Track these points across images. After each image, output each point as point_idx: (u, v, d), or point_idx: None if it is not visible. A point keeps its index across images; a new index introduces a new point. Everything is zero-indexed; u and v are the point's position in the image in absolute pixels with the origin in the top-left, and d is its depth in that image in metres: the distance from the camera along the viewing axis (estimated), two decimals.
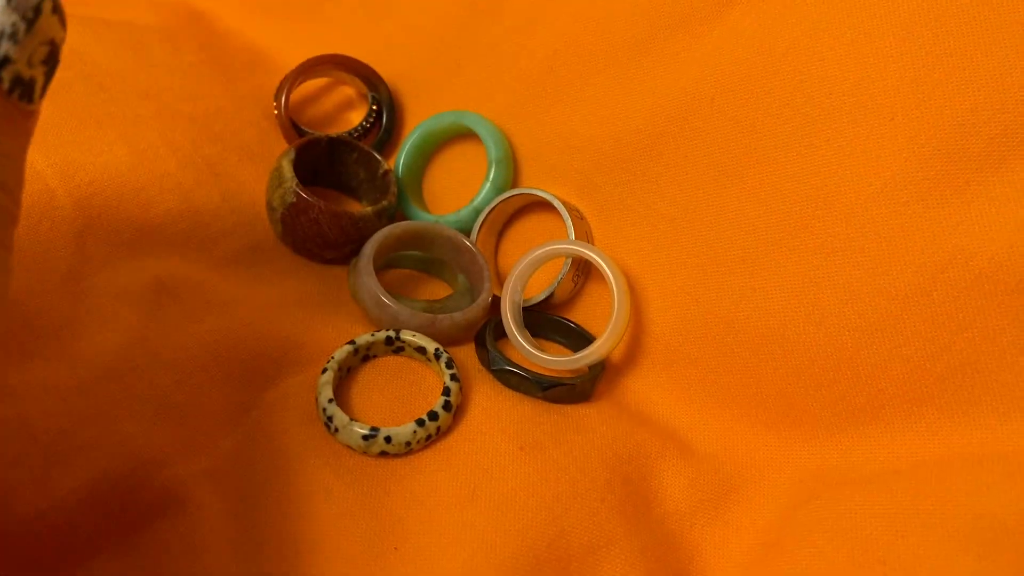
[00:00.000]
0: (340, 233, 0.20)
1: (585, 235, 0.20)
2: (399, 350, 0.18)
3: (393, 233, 0.20)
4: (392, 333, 0.18)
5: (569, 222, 0.20)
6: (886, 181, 0.17)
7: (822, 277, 0.17)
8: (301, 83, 0.24)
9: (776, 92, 0.18)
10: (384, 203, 0.21)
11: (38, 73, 0.11)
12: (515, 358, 0.19)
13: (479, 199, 0.21)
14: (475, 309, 0.19)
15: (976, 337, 0.16)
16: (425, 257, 0.22)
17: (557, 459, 0.16)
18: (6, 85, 0.11)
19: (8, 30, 0.11)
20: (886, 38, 0.16)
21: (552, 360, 0.18)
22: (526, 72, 0.22)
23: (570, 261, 0.20)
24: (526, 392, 0.18)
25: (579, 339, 0.20)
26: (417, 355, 0.18)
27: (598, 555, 0.15)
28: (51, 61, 0.11)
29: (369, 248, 0.19)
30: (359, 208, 0.22)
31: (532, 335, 0.19)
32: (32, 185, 0.19)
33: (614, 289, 0.18)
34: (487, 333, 0.19)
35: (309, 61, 0.24)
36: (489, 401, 0.18)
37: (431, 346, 0.18)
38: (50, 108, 0.21)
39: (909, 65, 0.16)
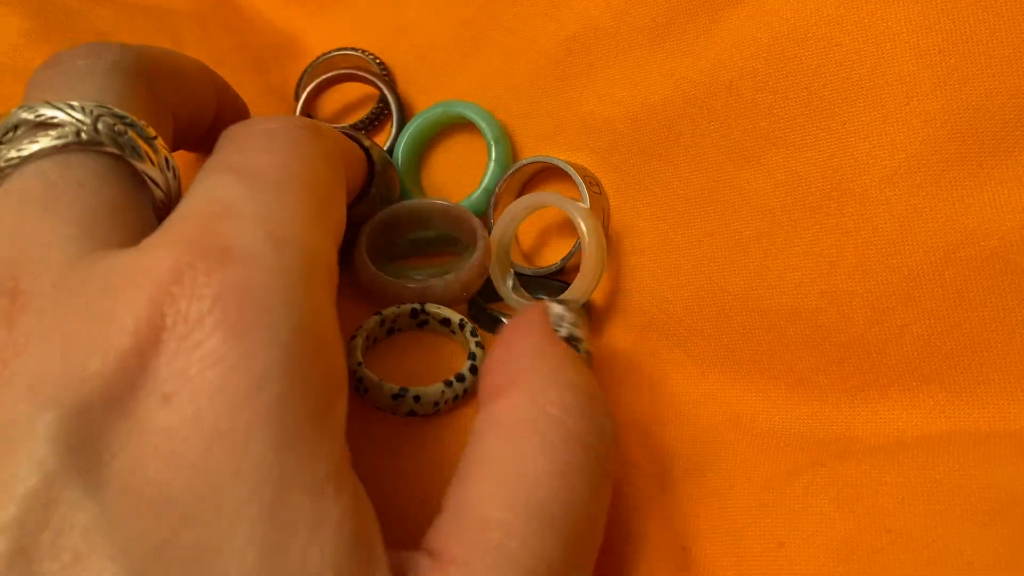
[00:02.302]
0: None
1: (601, 205, 0.21)
2: (423, 323, 0.19)
3: (382, 218, 0.20)
4: (417, 306, 0.19)
5: (582, 186, 0.20)
6: (901, 163, 0.17)
7: (836, 257, 0.17)
8: (314, 97, 0.25)
9: (794, 76, 0.18)
10: (372, 191, 0.20)
11: (590, 348, 0.17)
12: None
13: (487, 179, 0.22)
14: (467, 270, 0.19)
15: (986, 316, 0.16)
16: (432, 236, 0.22)
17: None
18: (584, 356, 0.16)
19: (575, 321, 0.16)
20: (903, 23, 0.17)
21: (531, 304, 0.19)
22: (544, 54, 0.22)
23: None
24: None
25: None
26: (442, 328, 0.19)
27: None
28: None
29: (361, 235, 0.20)
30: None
31: (532, 296, 0.20)
32: None
33: (583, 230, 0.19)
34: (478, 293, 0.20)
35: (324, 81, 0.25)
36: None
37: (455, 317, 0.19)
38: None
39: (925, 50, 0.17)
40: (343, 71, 0.24)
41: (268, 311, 0.11)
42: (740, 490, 0.17)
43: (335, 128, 0.18)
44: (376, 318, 0.18)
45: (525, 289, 0.20)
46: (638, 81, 0.20)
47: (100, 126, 0.13)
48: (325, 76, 0.24)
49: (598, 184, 0.21)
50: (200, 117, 0.18)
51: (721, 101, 0.19)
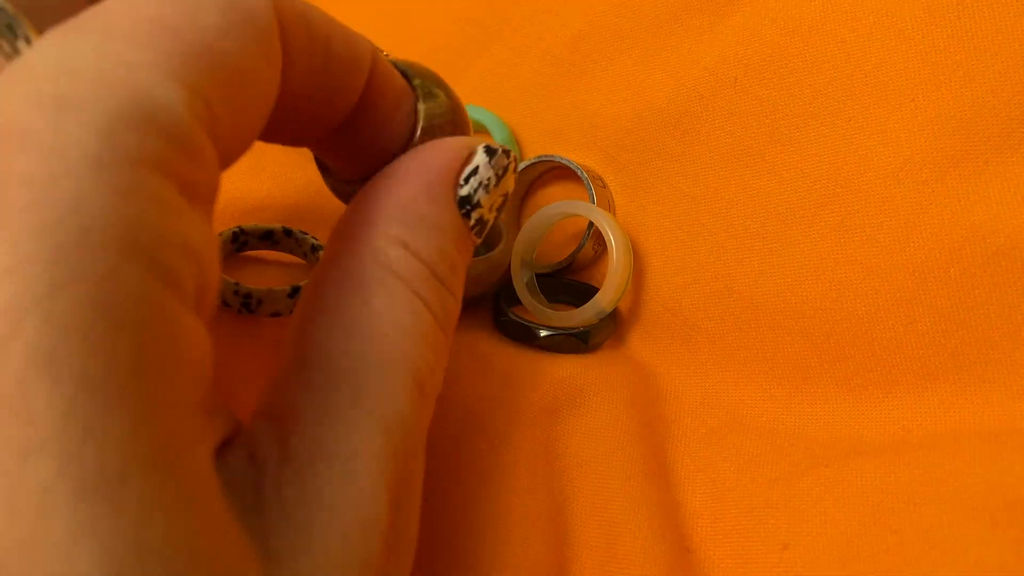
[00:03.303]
0: None
1: (607, 203, 0.21)
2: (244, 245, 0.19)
3: None
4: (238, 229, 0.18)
5: (589, 185, 0.20)
6: (905, 160, 0.17)
7: (840, 254, 0.17)
8: None
9: (798, 73, 0.18)
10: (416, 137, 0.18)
11: (491, 217, 0.14)
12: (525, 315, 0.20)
13: None
14: (480, 263, 0.19)
15: (991, 314, 0.16)
16: None
17: (569, 424, 0.17)
18: (472, 222, 0.14)
19: (484, 182, 0.14)
20: (907, 19, 0.17)
21: (554, 315, 0.19)
22: (550, 52, 0.22)
23: (591, 227, 0.20)
24: (523, 340, 0.19)
25: (590, 297, 0.20)
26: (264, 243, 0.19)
27: (609, 511, 0.16)
28: (500, 209, 0.14)
29: None
30: None
31: (549, 300, 0.20)
32: None
33: (611, 242, 0.19)
34: (500, 296, 0.20)
35: None
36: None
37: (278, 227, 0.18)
38: None
39: (930, 46, 0.16)
40: None
41: (28, 211, 0.08)
42: (744, 491, 0.17)
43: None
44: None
45: (545, 292, 0.20)
46: (643, 79, 0.20)
47: None
48: None
49: (603, 182, 0.21)
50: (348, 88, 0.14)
51: (726, 98, 0.19)
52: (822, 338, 0.17)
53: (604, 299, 0.19)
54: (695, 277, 0.19)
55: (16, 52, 0.12)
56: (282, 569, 0.10)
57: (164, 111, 0.09)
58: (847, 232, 0.17)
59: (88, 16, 0.10)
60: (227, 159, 0.11)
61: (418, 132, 0.14)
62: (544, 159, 0.21)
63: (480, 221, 0.14)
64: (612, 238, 0.19)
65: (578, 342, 0.19)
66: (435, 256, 0.13)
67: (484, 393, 0.18)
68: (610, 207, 0.21)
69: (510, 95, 0.22)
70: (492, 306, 0.20)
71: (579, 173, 0.20)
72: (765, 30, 0.19)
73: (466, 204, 0.14)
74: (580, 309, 0.19)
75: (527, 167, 0.21)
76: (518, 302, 0.20)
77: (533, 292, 0.20)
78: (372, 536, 0.11)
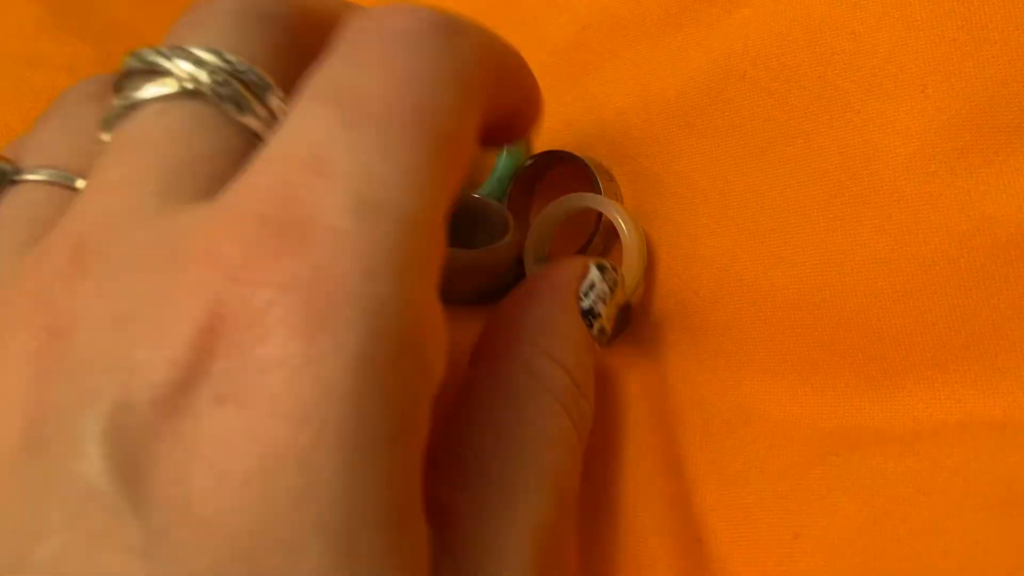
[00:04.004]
0: None
1: (615, 196, 0.21)
2: None
3: None
4: None
5: (596, 179, 0.20)
6: (915, 151, 0.17)
7: (851, 246, 0.17)
8: None
9: (808, 65, 0.18)
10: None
11: (609, 327, 0.16)
12: None
13: (499, 169, 0.22)
14: (487, 253, 0.19)
15: (1002, 304, 0.16)
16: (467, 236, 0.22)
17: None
18: (595, 332, 0.16)
19: (601, 295, 0.16)
20: (916, 10, 0.17)
21: None
22: (557, 46, 0.22)
23: (600, 221, 0.20)
24: None
25: None
26: None
27: (621, 504, 0.16)
28: (622, 320, 0.17)
29: None
30: None
31: None
32: None
33: (625, 235, 0.19)
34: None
35: None
36: None
37: None
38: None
39: (940, 37, 0.16)
40: None
41: (344, 305, 0.10)
42: (755, 482, 0.17)
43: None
44: None
45: None
46: (651, 72, 0.20)
47: (204, 75, 0.12)
48: None
49: (610, 175, 0.21)
50: None
51: (735, 90, 0.19)
52: (831, 330, 0.17)
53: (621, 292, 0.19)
54: (704, 269, 0.19)
55: (273, 116, 0.13)
56: None
57: (430, 211, 0.11)
58: (857, 224, 0.17)
59: (348, 98, 0.11)
60: None
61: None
62: (552, 153, 0.21)
63: (602, 330, 0.16)
64: (626, 231, 0.19)
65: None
66: (574, 365, 0.14)
67: None
68: (618, 200, 0.21)
69: None
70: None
71: (587, 166, 0.20)
72: (774, 23, 0.19)
73: (589, 316, 0.15)
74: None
75: (534, 160, 0.21)
76: None
77: None
78: None
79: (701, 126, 0.19)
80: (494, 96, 0.13)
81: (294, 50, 0.13)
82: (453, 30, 0.12)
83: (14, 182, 0.13)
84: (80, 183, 0.13)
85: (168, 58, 0.12)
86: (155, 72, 0.12)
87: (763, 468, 0.17)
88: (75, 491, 0.09)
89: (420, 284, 0.11)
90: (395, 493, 0.10)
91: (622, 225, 0.19)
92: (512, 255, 0.20)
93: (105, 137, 0.12)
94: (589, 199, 0.19)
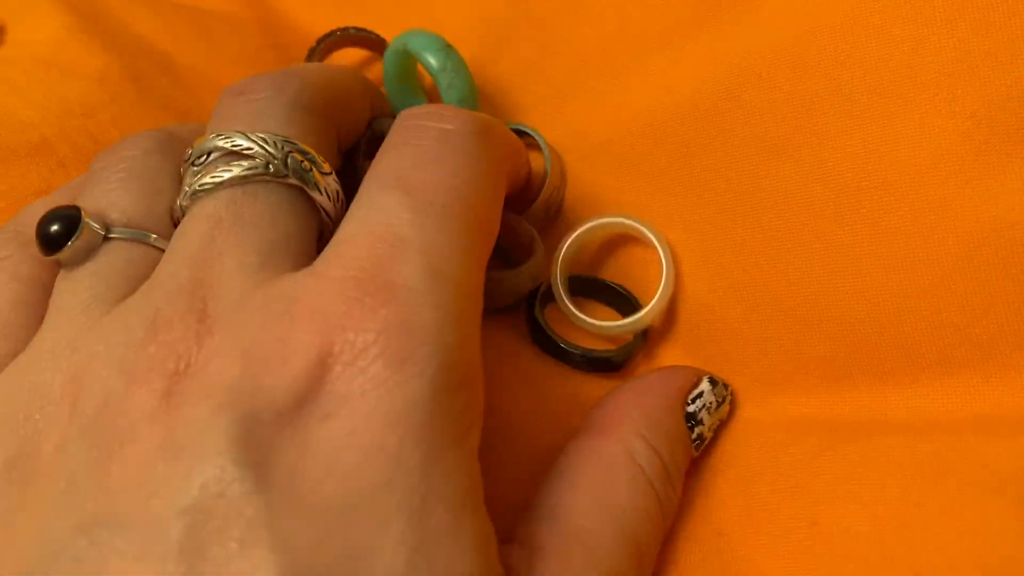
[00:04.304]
0: None
1: (560, 171, 0.22)
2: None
3: None
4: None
5: (547, 154, 0.21)
6: (931, 154, 0.17)
7: (866, 248, 0.18)
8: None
9: (824, 67, 0.18)
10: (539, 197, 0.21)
11: (709, 436, 0.18)
12: (562, 322, 0.20)
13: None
14: (515, 275, 0.20)
15: (1016, 302, 0.16)
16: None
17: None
18: (694, 436, 0.17)
19: (707, 404, 0.18)
20: (932, 12, 0.17)
21: (600, 325, 0.19)
22: (577, 52, 0.22)
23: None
24: (562, 359, 0.20)
25: (624, 302, 0.21)
26: None
27: None
28: (714, 428, 0.18)
29: None
30: None
31: (584, 301, 0.20)
32: None
33: (661, 255, 0.19)
34: (537, 300, 0.20)
35: (326, 43, 0.25)
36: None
37: None
38: (135, 96, 0.22)
39: (956, 40, 0.17)
40: (353, 34, 0.25)
41: (422, 344, 0.13)
42: (770, 473, 0.17)
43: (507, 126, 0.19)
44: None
45: (577, 292, 0.21)
46: (669, 75, 0.21)
47: (289, 161, 0.15)
48: (337, 37, 0.25)
49: (559, 153, 0.21)
50: (357, 129, 0.19)
51: (752, 93, 0.19)
52: (848, 329, 0.18)
53: (651, 315, 0.19)
54: (720, 271, 0.20)
55: (338, 196, 0.16)
56: None
57: (477, 278, 0.15)
58: (872, 226, 0.18)
59: (414, 187, 0.14)
60: None
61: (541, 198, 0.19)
62: (514, 128, 0.21)
63: (700, 436, 0.18)
64: (663, 256, 0.20)
65: (614, 367, 0.20)
66: (668, 457, 0.16)
67: (525, 408, 0.19)
68: (563, 176, 0.21)
69: (538, 92, 0.23)
70: (527, 314, 0.20)
71: (539, 141, 0.21)
72: (792, 25, 0.19)
73: (691, 420, 0.17)
74: (626, 321, 0.19)
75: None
76: (550, 301, 0.20)
77: (578, 307, 0.20)
78: None
79: (717, 127, 0.20)
80: (510, 176, 0.17)
81: (326, 133, 0.16)
82: (487, 132, 0.16)
83: (108, 239, 0.15)
84: (159, 241, 0.15)
85: (254, 141, 0.15)
86: (232, 154, 0.15)
87: (778, 459, 0.17)
88: (212, 477, 0.12)
89: (472, 333, 0.14)
90: (459, 483, 0.13)
91: (659, 248, 0.20)
92: (539, 275, 0.20)
93: (185, 203, 0.15)
94: (624, 224, 0.20)
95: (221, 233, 0.14)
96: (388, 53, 0.23)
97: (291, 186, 0.15)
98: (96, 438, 0.12)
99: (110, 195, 0.16)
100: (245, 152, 0.15)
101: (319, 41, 0.26)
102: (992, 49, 0.16)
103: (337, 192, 0.15)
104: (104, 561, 0.11)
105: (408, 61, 0.23)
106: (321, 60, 0.25)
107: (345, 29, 0.26)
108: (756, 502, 0.17)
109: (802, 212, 0.19)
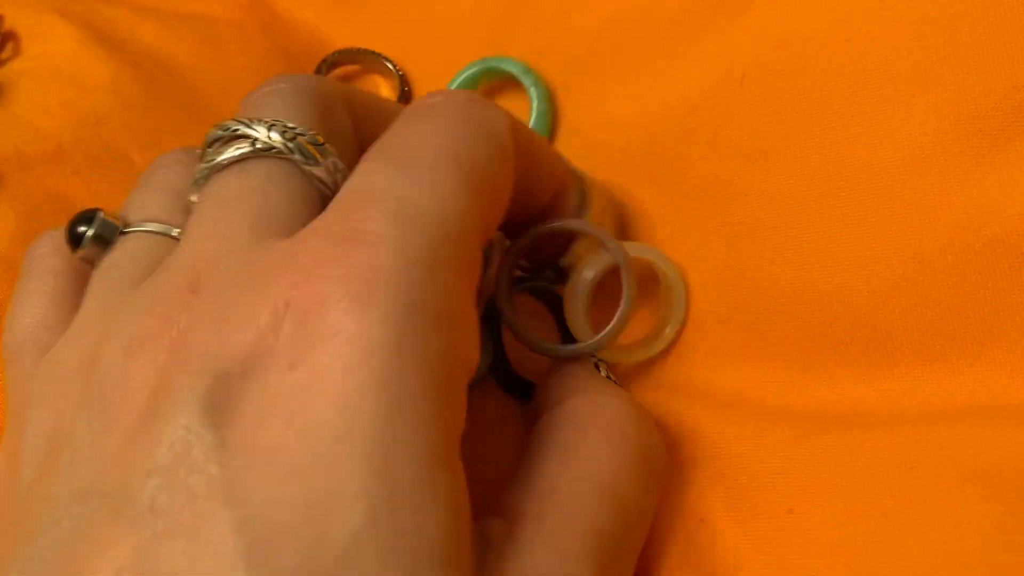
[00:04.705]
0: None
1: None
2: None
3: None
4: None
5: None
6: (908, 154, 0.18)
7: (845, 243, 0.18)
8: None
9: (805, 71, 0.19)
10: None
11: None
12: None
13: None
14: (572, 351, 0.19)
15: (990, 296, 0.17)
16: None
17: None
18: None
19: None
20: (907, 19, 0.18)
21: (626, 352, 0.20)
22: (569, 52, 0.23)
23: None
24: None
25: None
26: None
27: None
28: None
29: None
30: None
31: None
32: (133, 180, 0.21)
33: (673, 289, 0.20)
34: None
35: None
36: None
37: None
38: (145, 102, 0.23)
39: (931, 46, 0.17)
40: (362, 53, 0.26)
41: (386, 286, 0.12)
42: (750, 460, 0.18)
43: None
44: None
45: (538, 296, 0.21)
46: (656, 77, 0.21)
47: (273, 135, 0.15)
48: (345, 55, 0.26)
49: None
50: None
51: (734, 95, 0.20)
52: (827, 323, 0.18)
53: (659, 345, 0.20)
54: (706, 266, 0.20)
55: (335, 167, 0.16)
56: None
57: (462, 227, 0.14)
58: (852, 223, 0.18)
59: (396, 150, 0.15)
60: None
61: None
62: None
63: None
64: (673, 285, 0.20)
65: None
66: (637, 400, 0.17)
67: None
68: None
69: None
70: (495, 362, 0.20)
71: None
72: (772, 30, 0.20)
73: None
74: (635, 348, 0.20)
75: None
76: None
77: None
78: None
79: (701, 128, 0.21)
80: (526, 157, 0.17)
81: (331, 120, 0.17)
82: (486, 103, 0.16)
83: (124, 233, 0.17)
84: (175, 232, 0.17)
85: (246, 125, 0.15)
86: (235, 137, 0.15)
87: (757, 446, 0.18)
88: (178, 438, 0.12)
89: (450, 277, 0.13)
90: (429, 437, 0.12)
91: (669, 277, 0.20)
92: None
93: (193, 196, 0.16)
94: (635, 248, 0.20)
95: (215, 212, 0.15)
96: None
97: (285, 160, 0.15)
98: (97, 411, 0.13)
99: (134, 201, 0.17)
100: (237, 134, 0.15)
101: (334, 54, 0.27)
102: (962, 57, 0.17)
103: (336, 164, 0.16)
104: (91, 526, 0.12)
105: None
106: (328, 73, 0.26)
107: (363, 51, 0.27)
108: (735, 489, 0.18)
109: (783, 209, 0.19)
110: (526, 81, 0.23)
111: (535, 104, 0.23)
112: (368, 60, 0.27)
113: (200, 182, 0.16)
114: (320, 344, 0.12)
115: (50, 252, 0.18)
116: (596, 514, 0.15)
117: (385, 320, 0.12)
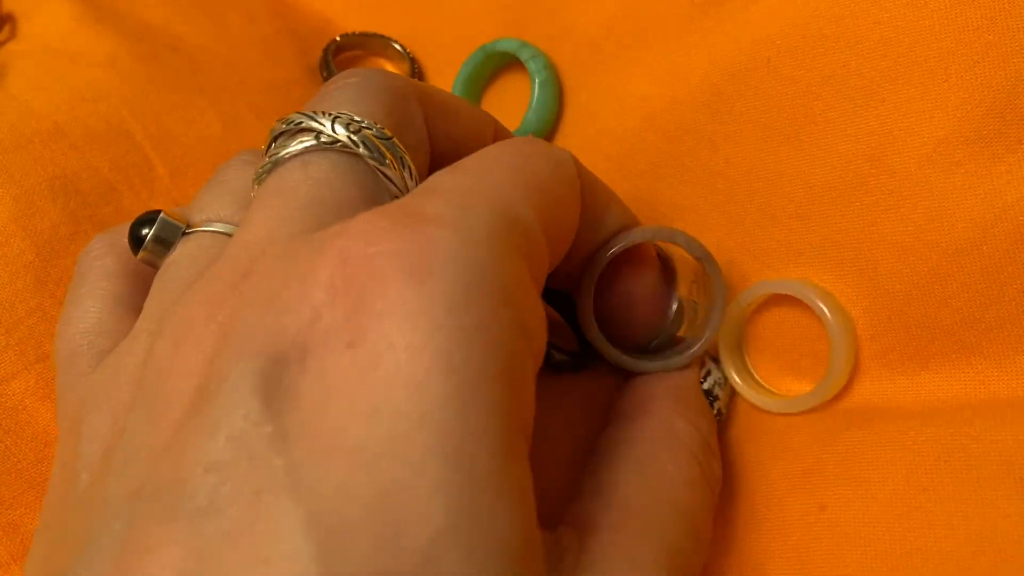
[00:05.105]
0: None
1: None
2: None
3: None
4: None
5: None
6: (939, 141, 0.17)
7: (874, 233, 0.18)
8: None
9: (832, 54, 0.18)
10: None
11: (725, 410, 0.19)
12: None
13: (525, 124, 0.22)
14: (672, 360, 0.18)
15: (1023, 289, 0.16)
16: None
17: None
18: (715, 411, 0.18)
19: (718, 380, 0.19)
20: (938, 2, 0.17)
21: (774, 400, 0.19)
22: (585, 36, 0.22)
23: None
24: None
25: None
26: None
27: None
28: (726, 404, 0.19)
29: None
30: None
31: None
32: (132, 156, 0.21)
33: (834, 336, 0.18)
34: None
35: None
36: None
37: None
38: (146, 78, 0.22)
39: (963, 27, 0.17)
40: (371, 36, 0.25)
41: (446, 262, 0.12)
42: (779, 459, 0.17)
43: None
44: None
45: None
46: (676, 60, 0.21)
47: (338, 128, 0.15)
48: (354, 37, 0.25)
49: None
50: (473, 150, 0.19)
51: (760, 78, 0.19)
52: (856, 316, 0.18)
53: (825, 394, 0.18)
54: (731, 255, 0.20)
55: (401, 163, 0.16)
56: None
57: (524, 219, 0.14)
58: (881, 212, 0.18)
59: (463, 163, 0.15)
60: (551, 265, 0.15)
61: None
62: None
63: (719, 412, 0.18)
64: (834, 330, 0.17)
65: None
66: (706, 430, 0.17)
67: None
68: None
69: None
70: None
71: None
72: (798, 13, 0.19)
73: (708, 396, 0.18)
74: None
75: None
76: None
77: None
78: None
79: (725, 113, 0.20)
80: (591, 194, 0.17)
81: (403, 117, 0.16)
82: (549, 143, 0.17)
83: (187, 234, 0.17)
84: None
85: (310, 117, 0.15)
86: (299, 131, 0.15)
87: (785, 445, 0.17)
88: (236, 429, 0.11)
89: (515, 262, 0.13)
90: (503, 425, 0.11)
91: (829, 319, 0.18)
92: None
93: (255, 192, 0.15)
94: (785, 286, 0.18)
95: (271, 201, 0.14)
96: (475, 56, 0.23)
97: (351, 155, 0.15)
98: (148, 406, 0.13)
99: (199, 202, 0.17)
100: (302, 127, 0.15)
101: (340, 38, 0.26)
102: (997, 38, 0.16)
103: (404, 160, 0.15)
104: (145, 526, 0.11)
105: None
106: (335, 56, 0.25)
107: (371, 35, 0.26)
108: (765, 486, 0.17)
109: (809, 197, 0.19)
110: (524, 55, 0.22)
111: (537, 77, 0.22)
112: (377, 44, 0.26)
113: (263, 176, 0.15)
114: (378, 321, 0.11)
115: (103, 254, 0.17)
116: (671, 531, 0.15)
117: (445, 296, 0.11)
